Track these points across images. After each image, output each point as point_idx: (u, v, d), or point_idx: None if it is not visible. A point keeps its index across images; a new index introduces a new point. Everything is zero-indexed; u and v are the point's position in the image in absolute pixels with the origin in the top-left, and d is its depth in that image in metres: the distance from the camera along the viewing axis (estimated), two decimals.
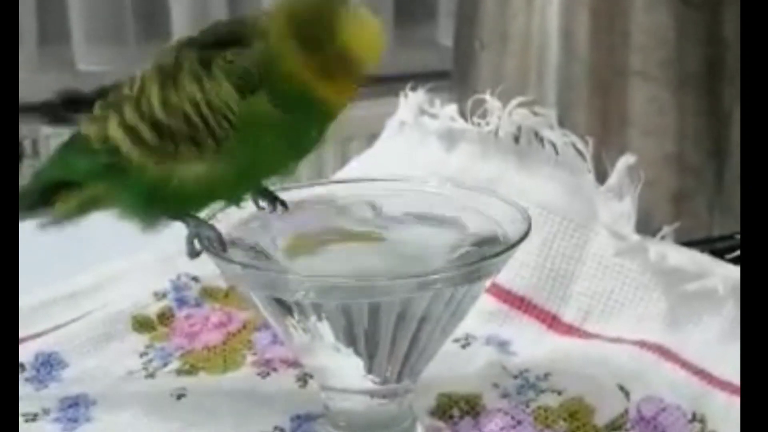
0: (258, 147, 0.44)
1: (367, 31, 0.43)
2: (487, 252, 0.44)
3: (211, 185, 0.44)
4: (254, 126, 0.43)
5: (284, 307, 0.42)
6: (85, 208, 0.48)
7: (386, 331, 0.42)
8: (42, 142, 1.59)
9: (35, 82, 1.60)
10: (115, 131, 0.45)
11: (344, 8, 0.42)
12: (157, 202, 0.45)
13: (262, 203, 0.47)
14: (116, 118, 0.45)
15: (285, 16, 0.43)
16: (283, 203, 0.47)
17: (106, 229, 0.72)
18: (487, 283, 0.44)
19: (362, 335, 0.42)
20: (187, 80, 0.43)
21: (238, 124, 0.43)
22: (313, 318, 0.41)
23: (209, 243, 0.44)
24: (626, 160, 0.56)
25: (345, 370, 0.44)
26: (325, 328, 0.42)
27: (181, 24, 1.63)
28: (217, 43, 0.44)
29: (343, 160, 0.73)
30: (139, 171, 0.45)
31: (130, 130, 0.45)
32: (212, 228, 0.44)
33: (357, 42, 0.42)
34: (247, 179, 0.46)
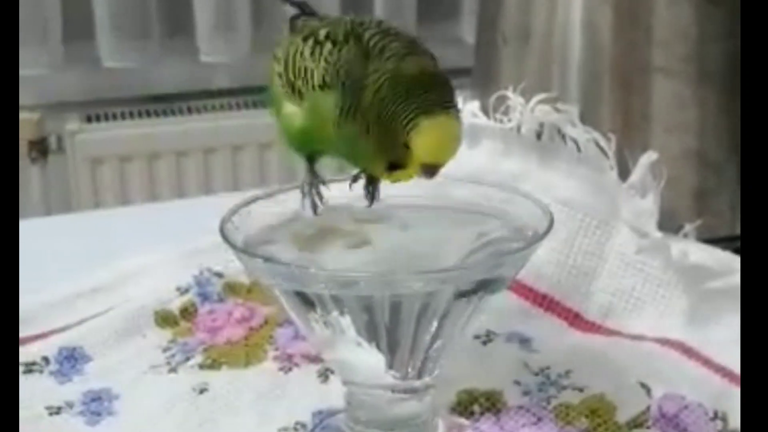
0: (322, 128, 0.46)
1: (438, 142, 0.43)
2: (509, 248, 0.44)
3: (302, 136, 0.47)
4: (323, 114, 0.45)
5: (306, 302, 0.42)
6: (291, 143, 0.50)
7: (407, 327, 0.42)
8: (67, 138, 1.60)
9: (60, 79, 1.62)
10: (277, 59, 0.48)
11: (422, 116, 0.42)
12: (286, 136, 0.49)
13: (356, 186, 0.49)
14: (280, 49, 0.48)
15: (372, 97, 0.43)
16: (373, 198, 0.48)
17: (129, 224, 0.73)
18: (508, 280, 0.44)
19: (384, 330, 0.42)
20: (311, 44, 0.46)
21: (315, 103, 0.46)
22: (335, 313, 0.42)
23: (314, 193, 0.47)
24: (648, 157, 0.56)
25: (366, 365, 0.44)
26: (347, 323, 0.42)
27: (205, 20, 1.64)
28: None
29: None
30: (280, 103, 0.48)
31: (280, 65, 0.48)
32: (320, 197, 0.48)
33: (427, 155, 0.43)
34: (321, 147, 0.48)
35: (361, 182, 0.48)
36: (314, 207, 0.48)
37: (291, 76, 0.47)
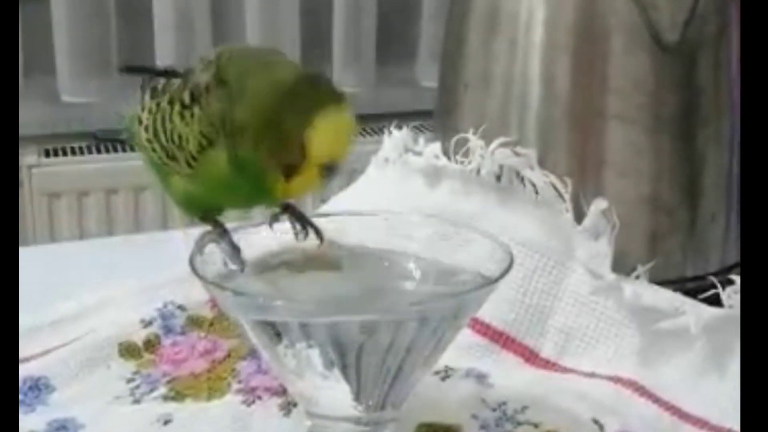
0: (212, 188, 0.45)
1: (335, 137, 0.42)
2: (471, 286, 0.45)
3: (190, 200, 0.47)
4: (209, 174, 0.45)
5: (274, 333, 0.43)
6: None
7: (373, 360, 0.43)
8: (24, 172, 1.60)
9: (20, 114, 1.61)
10: (143, 125, 0.47)
11: (314, 112, 0.41)
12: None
13: (298, 227, 0.48)
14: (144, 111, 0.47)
15: (253, 107, 0.42)
16: (318, 232, 0.48)
17: (86, 259, 0.73)
18: (469, 316, 0.46)
19: (350, 363, 0.43)
20: (178, 108, 0.45)
21: (197, 168, 0.45)
22: (303, 344, 0.43)
23: (230, 258, 0.46)
24: (600, 204, 0.58)
25: (332, 397, 0.45)
26: (314, 355, 0.43)
27: (166, 57, 1.64)
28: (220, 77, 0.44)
29: (323, 195, 0.73)
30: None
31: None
32: (234, 246, 0.46)
33: (324, 152, 0.42)
34: (214, 205, 0.47)
35: (284, 223, 0.48)
36: (237, 257, 0.46)
37: (165, 142, 0.46)
